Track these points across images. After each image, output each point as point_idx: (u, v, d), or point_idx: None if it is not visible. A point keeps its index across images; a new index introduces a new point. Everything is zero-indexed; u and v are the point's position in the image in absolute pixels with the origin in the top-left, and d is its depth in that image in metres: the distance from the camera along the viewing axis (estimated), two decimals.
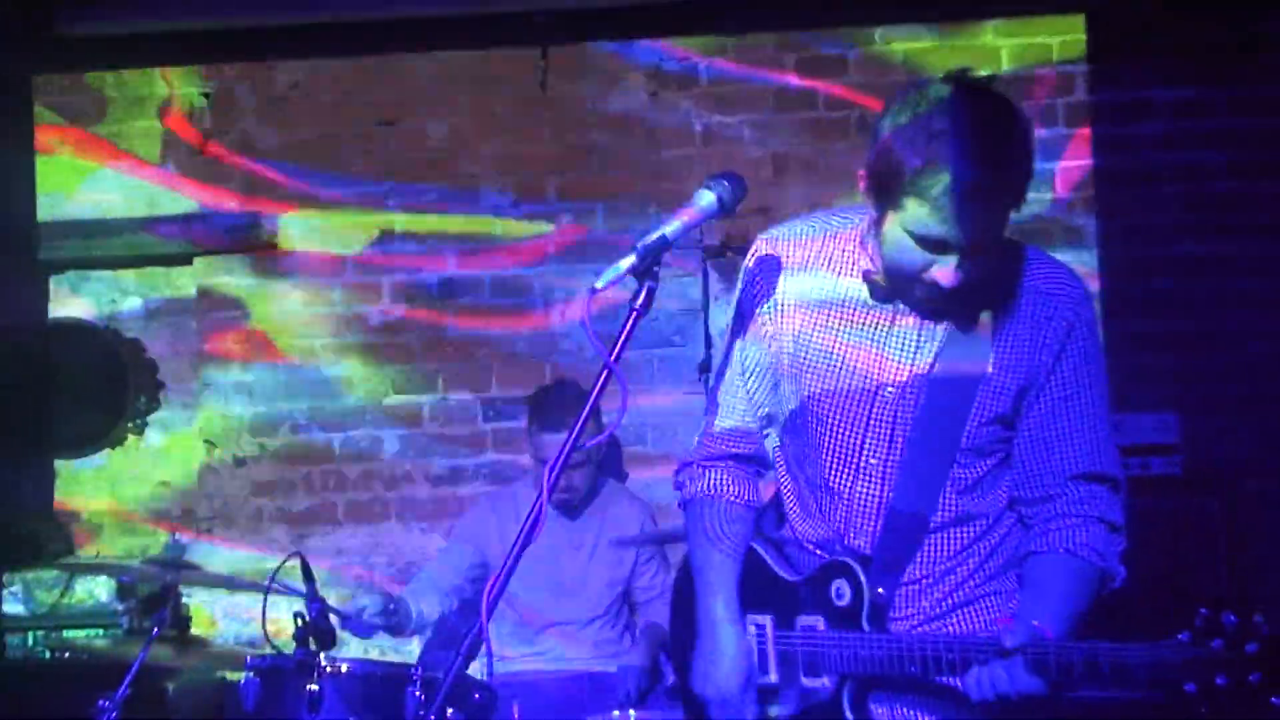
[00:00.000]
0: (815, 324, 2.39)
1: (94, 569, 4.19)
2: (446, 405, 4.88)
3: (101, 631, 4.22)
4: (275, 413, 4.89)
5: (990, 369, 2.29)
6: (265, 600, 3.17)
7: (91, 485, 4.95)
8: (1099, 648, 2.03)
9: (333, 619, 3.36)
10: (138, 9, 4.73)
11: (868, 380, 2.34)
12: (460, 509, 4.75)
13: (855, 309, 2.36)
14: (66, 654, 4.17)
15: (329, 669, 3.19)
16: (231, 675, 4.40)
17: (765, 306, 2.44)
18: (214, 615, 4.78)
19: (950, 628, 2.36)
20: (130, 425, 4.95)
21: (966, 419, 2.30)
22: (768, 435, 2.56)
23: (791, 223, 2.49)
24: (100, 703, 3.27)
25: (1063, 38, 4.83)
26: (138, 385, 4.95)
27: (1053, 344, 2.27)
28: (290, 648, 3.27)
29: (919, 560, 2.37)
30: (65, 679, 4.09)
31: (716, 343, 3.13)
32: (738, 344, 2.52)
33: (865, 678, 2.33)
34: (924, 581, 2.38)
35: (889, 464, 2.35)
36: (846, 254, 2.38)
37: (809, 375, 2.39)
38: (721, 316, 2.52)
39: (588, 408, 2.19)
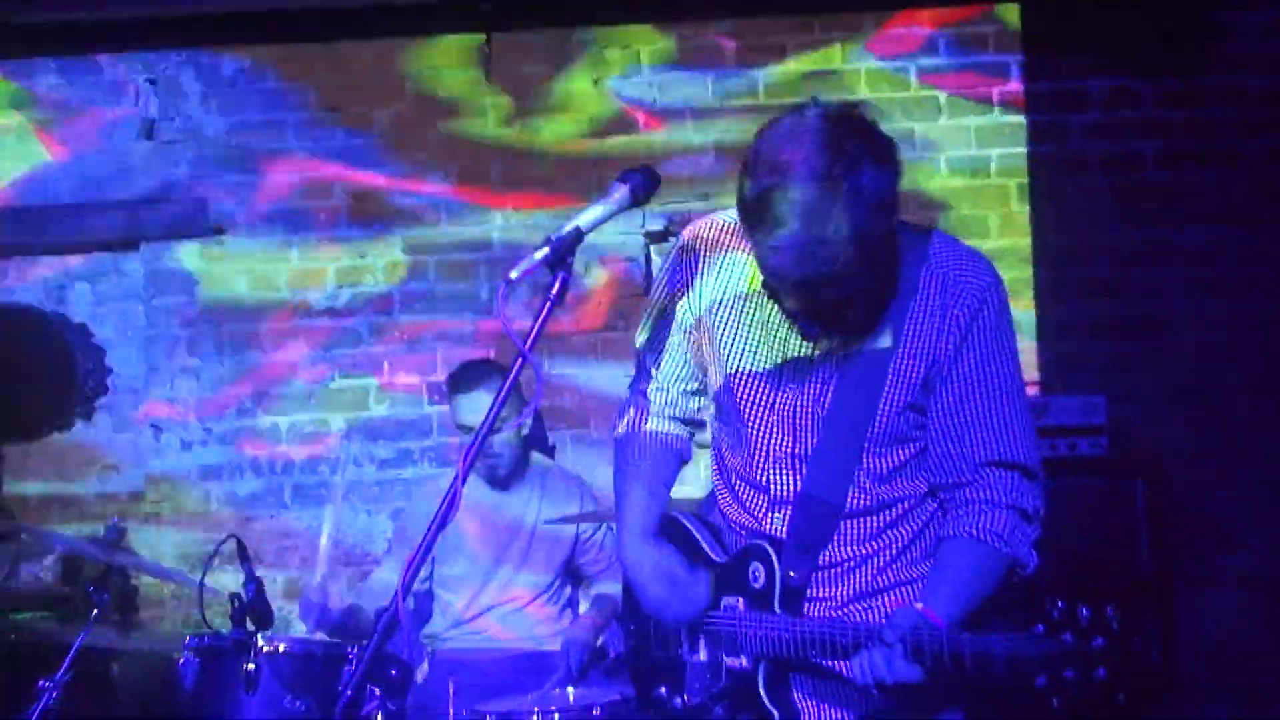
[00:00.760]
0: (728, 314, 2.45)
1: (42, 552, 4.21)
2: (392, 389, 4.93)
3: (47, 613, 4.25)
4: (222, 397, 4.92)
5: (896, 358, 2.32)
6: (201, 586, 3.22)
7: (39, 469, 4.98)
8: (963, 639, 2.05)
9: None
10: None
11: (772, 371, 2.40)
12: (406, 492, 4.81)
13: (760, 300, 2.41)
14: (12, 635, 4.20)
15: (266, 649, 3.25)
16: (172, 654, 4.46)
17: (684, 298, 2.52)
18: (163, 597, 4.82)
19: (871, 613, 2.40)
20: (78, 409, 4.98)
21: (875, 408, 2.33)
22: (701, 411, 2.64)
23: (715, 215, 2.54)
24: (41, 683, 3.32)
25: (998, 26, 4.89)
26: (85, 370, 4.97)
27: (956, 330, 2.29)
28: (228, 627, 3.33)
29: (834, 544, 2.41)
30: (11, 660, 4.12)
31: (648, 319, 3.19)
32: (664, 322, 2.59)
33: (780, 659, 2.38)
34: (842, 566, 2.42)
35: (799, 454, 2.40)
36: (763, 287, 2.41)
37: (724, 362, 2.46)
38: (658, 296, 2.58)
39: (503, 391, 2.26)
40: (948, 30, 4.92)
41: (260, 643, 3.24)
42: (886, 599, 2.42)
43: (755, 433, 2.44)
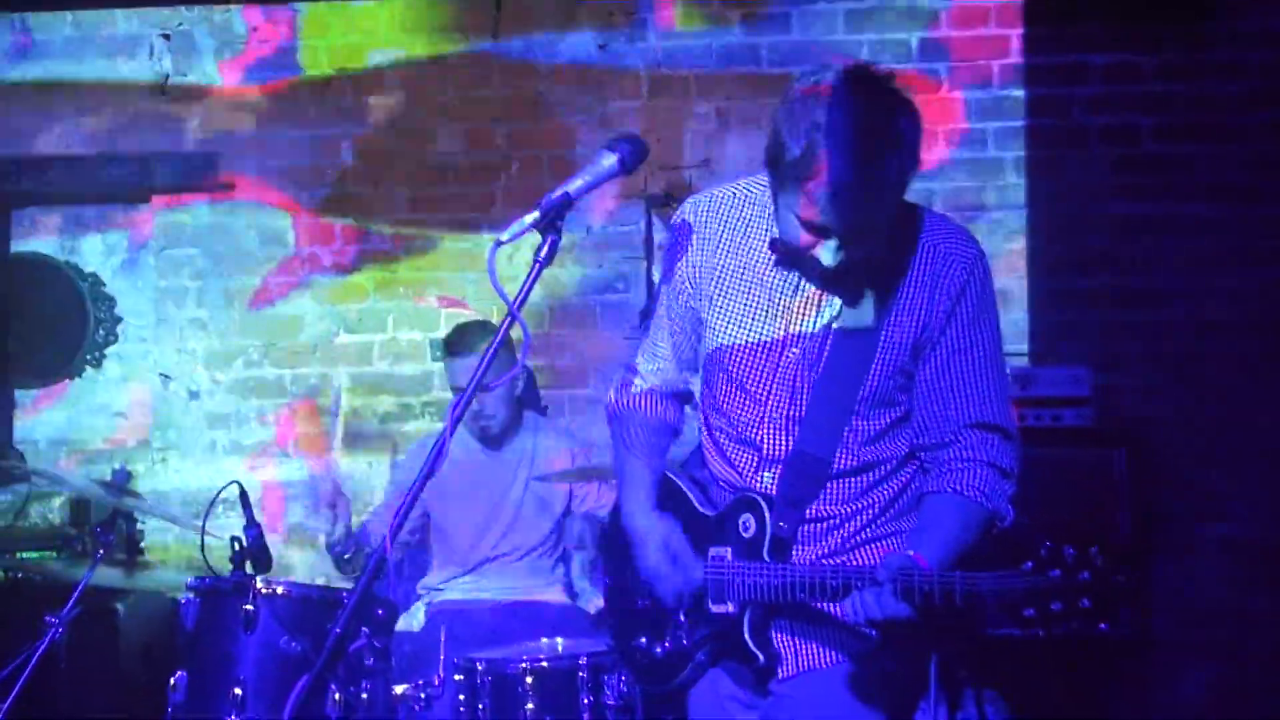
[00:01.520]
0: (728, 284, 2.56)
1: (50, 494, 4.33)
2: (396, 344, 5.02)
3: (56, 553, 4.38)
4: (229, 348, 5.03)
5: (889, 326, 2.44)
6: (203, 529, 3.32)
7: (49, 415, 5.10)
8: (955, 577, 2.18)
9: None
10: None
11: (774, 338, 2.50)
12: (407, 445, 4.91)
13: (764, 270, 2.51)
14: (20, 574, 4.33)
15: (264, 590, 3.34)
16: (176, 595, 4.59)
17: (683, 265, 2.62)
18: (167, 541, 4.95)
19: (852, 563, 2.50)
20: (88, 358, 5.09)
21: (867, 373, 2.45)
22: (689, 383, 2.76)
23: (717, 187, 2.65)
24: (47, 618, 3.44)
25: (1000, 0, 4.94)
26: (96, 319, 5.08)
27: (946, 301, 2.42)
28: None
29: (821, 500, 2.52)
30: (19, 596, 4.25)
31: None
32: (662, 295, 2.70)
33: (765, 605, 2.49)
34: (828, 520, 2.53)
35: (793, 415, 2.51)
36: (759, 220, 2.53)
37: (721, 331, 2.56)
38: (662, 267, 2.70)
39: (491, 350, 2.35)
40: (950, 3, 4.96)
41: (259, 585, 3.34)
42: (867, 552, 2.53)
43: (751, 396, 2.54)
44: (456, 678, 3.64)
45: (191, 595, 3.40)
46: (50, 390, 5.10)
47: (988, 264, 2.48)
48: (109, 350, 5.10)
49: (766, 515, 2.51)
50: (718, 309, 2.56)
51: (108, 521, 3.63)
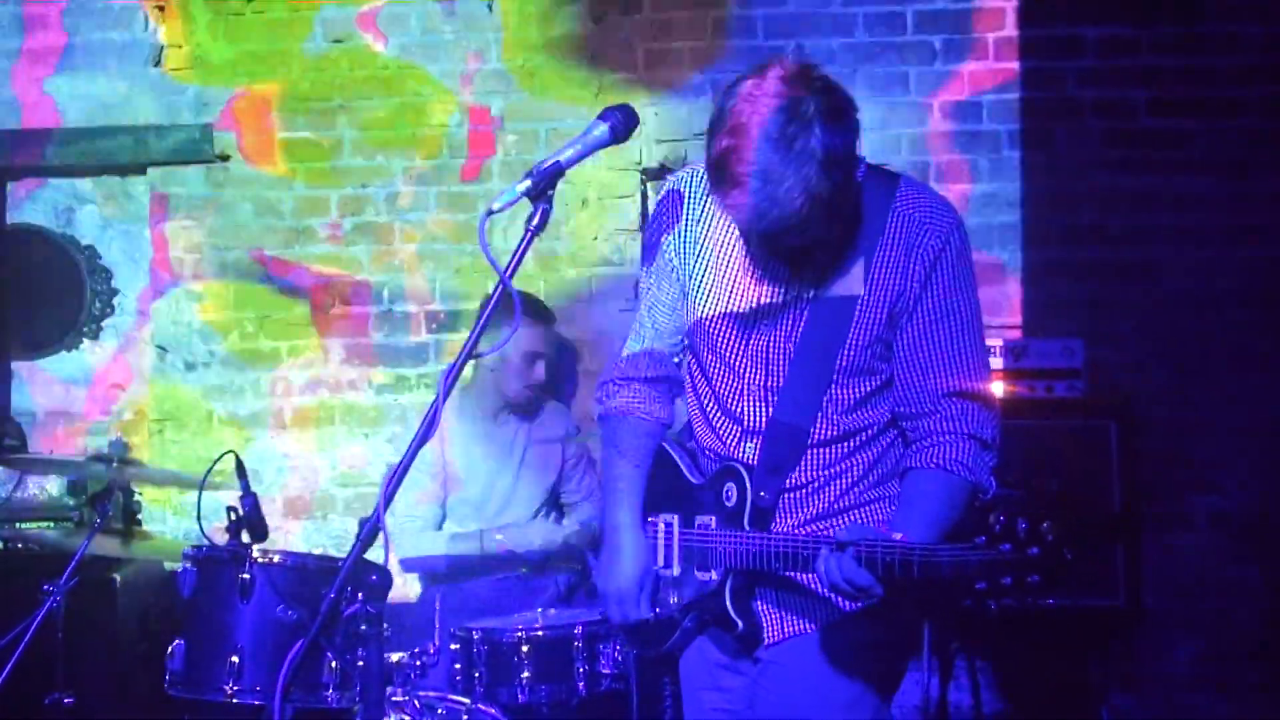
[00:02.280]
0: (708, 256, 2.60)
1: (41, 464, 4.35)
2: (391, 316, 5.04)
3: (53, 524, 4.40)
4: (225, 320, 5.04)
5: (865, 295, 2.47)
6: (200, 496, 3.34)
7: (46, 387, 5.12)
8: (914, 547, 2.22)
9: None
10: None
11: (751, 308, 2.55)
12: (402, 417, 4.94)
13: (736, 242, 2.57)
14: (19, 544, 4.35)
15: (260, 559, 3.37)
16: (173, 566, 4.62)
17: (668, 238, 2.66)
18: (166, 512, 4.98)
19: (833, 530, 2.53)
20: (85, 330, 5.10)
21: (844, 342, 2.49)
22: (678, 360, 2.78)
23: (699, 163, 2.64)
24: (45, 586, 3.47)
25: None
26: (93, 291, 5.09)
27: (921, 269, 2.45)
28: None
29: (800, 468, 2.57)
30: (17, 567, 4.28)
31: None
32: (644, 273, 2.75)
33: (747, 573, 2.54)
34: (808, 488, 2.57)
35: (771, 386, 2.55)
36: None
37: (702, 303, 2.61)
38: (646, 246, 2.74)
39: (483, 318, 2.38)
40: None
41: (255, 554, 3.37)
42: (848, 518, 2.57)
43: (730, 368, 2.59)
44: (452, 647, 3.68)
45: (188, 564, 3.42)
46: (47, 362, 5.11)
47: (965, 233, 2.51)
48: (106, 323, 5.12)
49: (747, 485, 2.55)
50: (698, 281, 2.61)
51: (105, 492, 3.65)
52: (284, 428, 5.03)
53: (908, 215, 2.47)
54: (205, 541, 3.44)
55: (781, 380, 2.54)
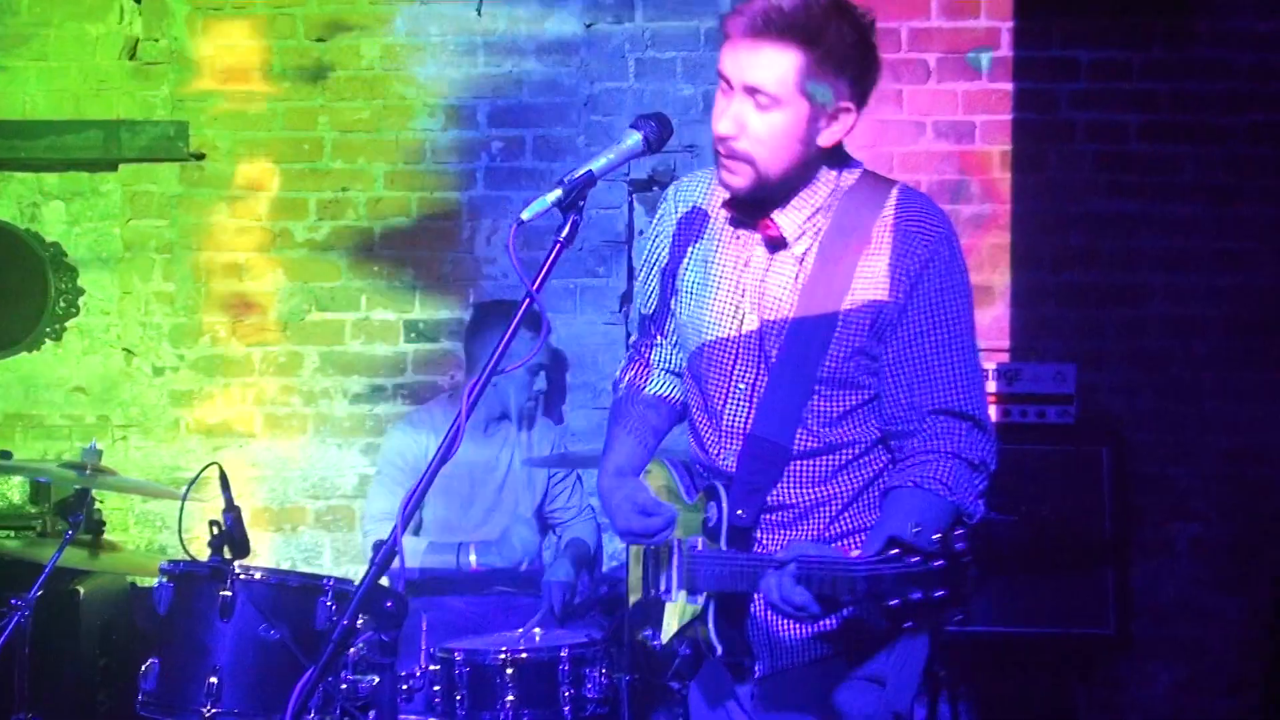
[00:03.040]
0: (695, 262, 2.53)
1: (11, 470, 4.18)
2: (369, 324, 4.91)
3: (14, 533, 4.22)
4: (196, 324, 4.88)
5: (849, 303, 2.37)
6: (181, 509, 3.21)
7: (6, 388, 4.93)
8: (840, 561, 2.10)
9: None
10: None
11: (737, 309, 2.46)
12: (377, 427, 4.81)
13: (728, 243, 2.50)
14: None
15: (242, 576, 3.25)
16: (141, 580, 4.46)
17: (661, 248, 2.62)
18: (128, 521, 4.81)
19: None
20: (48, 330, 4.91)
21: (826, 352, 2.38)
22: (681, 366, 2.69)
23: (699, 170, 2.64)
24: (13, 600, 3.31)
25: None
26: (57, 290, 4.91)
27: (907, 279, 2.35)
28: (205, 554, 3.32)
29: (782, 485, 2.44)
30: None
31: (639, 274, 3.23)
32: (650, 281, 2.69)
33: (727, 596, 2.39)
34: (792, 510, 2.45)
35: (754, 390, 2.44)
36: (720, 194, 2.50)
37: (688, 308, 2.54)
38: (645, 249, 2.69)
39: (509, 332, 2.27)
40: None
41: (236, 570, 3.24)
42: (842, 548, 2.43)
43: (713, 376, 2.50)
44: (432, 668, 3.56)
45: (165, 579, 3.30)
46: (7, 363, 4.91)
47: (957, 246, 2.40)
48: (70, 323, 4.93)
49: (724, 502, 2.43)
50: (686, 287, 2.54)
51: (76, 501, 3.50)
52: (254, 436, 4.87)
53: (895, 224, 2.37)
54: (184, 556, 3.31)
55: (763, 386, 2.44)
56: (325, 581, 3.30)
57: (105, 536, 3.90)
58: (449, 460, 2.19)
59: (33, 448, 4.85)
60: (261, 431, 4.88)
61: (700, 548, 2.45)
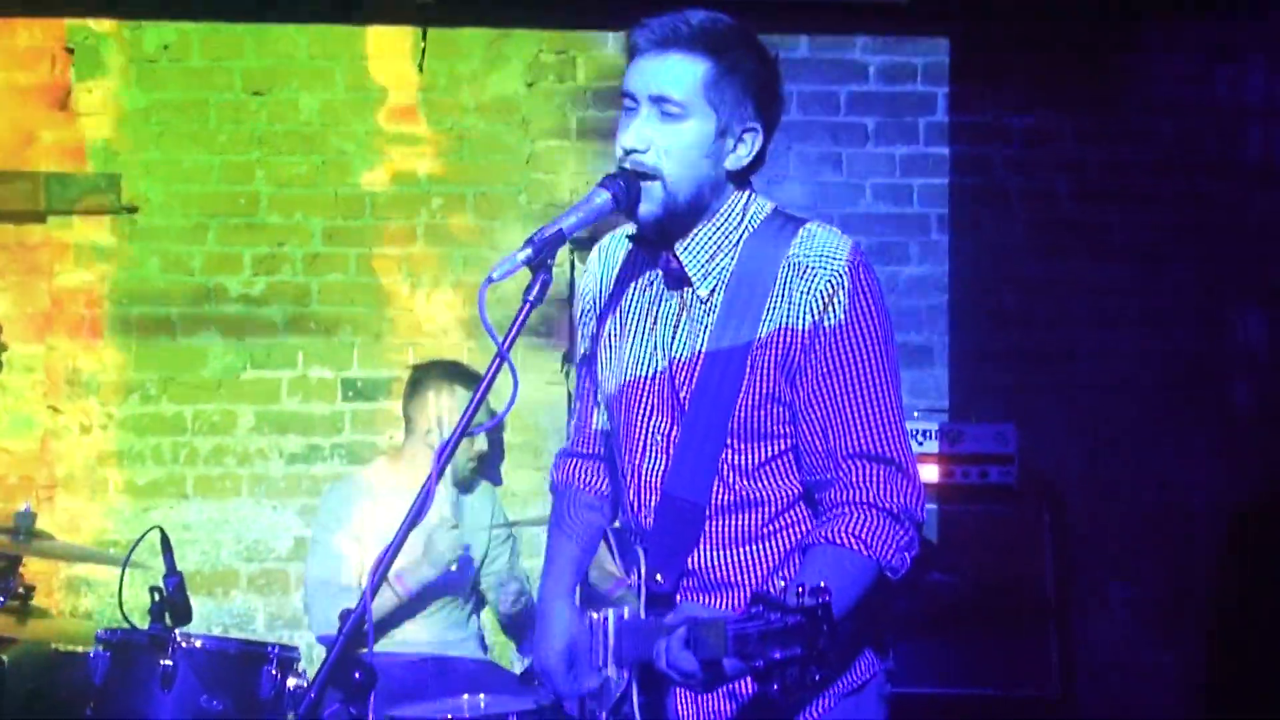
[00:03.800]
0: (612, 313, 2.48)
1: None
2: (306, 382, 4.82)
3: None
4: (126, 381, 4.75)
5: (755, 347, 2.27)
6: (123, 574, 3.11)
7: None
8: (715, 622, 1.94)
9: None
10: None
11: (648, 360, 2.38)
12: (314, 488, 4.71)
13: (640, 291, 2.44)
14: None
15: (183, 644, 3.15)
16: (66, 647, 4.29)
17: (585, 305, 2.57)
18: (51, 585, 4.64)
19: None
20: None
21: (734, 401, 2.28)
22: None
23: (617, 229, 2.55)
24: None
25: (927, 59, 4.99)
26: None
27: (810, 318, 2.24)
28: (145, 622, 3.21)
29: (701, 549, 2.34)
30: None
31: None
32: (576, 346, 2.66)
33: (647, 667, 2.20)
34: (712, 575, 2.33)
35: (669, 440, 2.35)
36: (639, 251, 2.45)
37: (606, 365, 2.48)
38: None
39: (480, 392, 2.25)
40: (878, 59, 5.00)
41: (178, 638, 3.14)
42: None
43: (631, 424, 2.41)
44: None
45: (101, 648, 3.18)
46: None
47: (865, 277, 2.26)
48: None
49: (642, 568, 2.31)
50: (604, 345, 2.48)
51: (7, 568, 3.37)
52: (185, 497, 4.75)
53: (798, 262, 2.27)
54: (121, 623, 3.20)
55: (676, 439, 2.34)
56: (270, 649, 3.21)
57: (32, 602, 3.74)
58: (419, 521, 2.14)
59: None
60: (193, 492, 4.76)
61: (626, 617, 2.32)
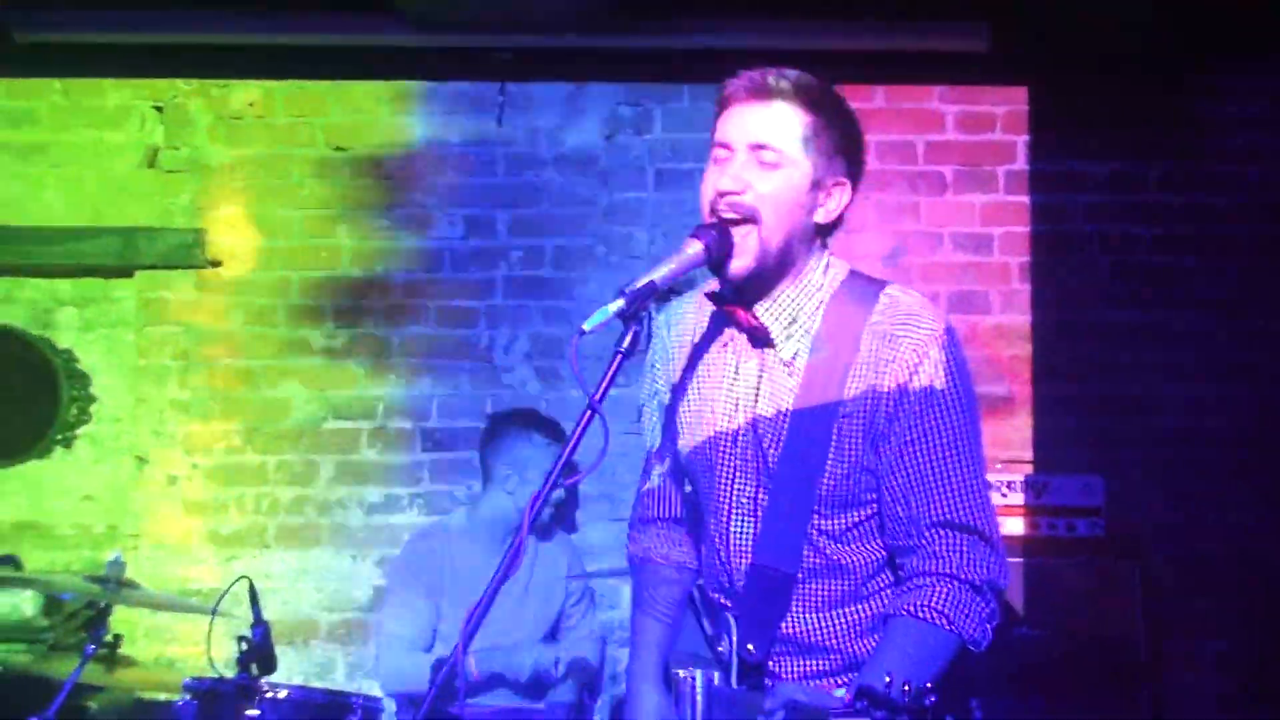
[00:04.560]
0: (689, 374, 2.47)
1: (26, 583, 4.08)
2: (385, 433, 4.86)
3: (24, 646, 4.11)
4: (210, 432, 4.82)
5: (841, 415, 2.28)
6: (211, 624, 3.13)
7: (13, 496, 4.84)
8: (816, 710, 1.94)
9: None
10: (95, 21, 4.67)
11: (730, 421, 2.37)
12: (393, 538, 4.73)
13: (717, 355, 2.43)
14: None
15: (269, 694, 3.16)
16: (150, 695, 4.33)
17: (657, 366, 2.57)
18: (136, 634, 4.69)
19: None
20: (58, 438, 4.85)
21: (823, 469, 2.28)
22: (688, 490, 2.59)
23: (690, 292, 2.57)
24: (31, 719, 3.20)
25: (1006, 108, 4.97)
26: (69, 397, 4.85)
27: (894, 386, 2.25)
28: (231, 671, 3.23)
29: (792, 615, 2.33)
30: None
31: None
32: (645, 411, 2.62)
33: None
34: (803, 643, 2.33)
35: (756, 504, 2.34)
36: (708, 308, 2.46)
37: (687, 424, 2.46)
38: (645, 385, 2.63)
39: (572, 444, 2.25)
40: (956, 108, 4.99)
41: (264, 688, 3.15)
42: (826, 686, 2.30)
43: (715, 482, 2.40)
44: None
45: (189, 696, 3.20)
46: (16, 470, 4.83)
47: (949, 345, 2.29)
48: (81, 430, 4.87)
49: (733, 638, 2.31)
50: (684, 407, 2.46)
51: (99, 616, 3.41)
52: (267, 547, 4.79)
53: (882, 330, 2.28)
54: (212, 672, 3.23)
55: (765, 504, 2.33)
56: (354, 700, 3.22)
57: (120, 650, 3.78)
58: (511, 575, 2.14)
59: (40, 557, 4.76)
60: (275, 542, 4.80)
61: (717, 683, 2.31)
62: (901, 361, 2.25)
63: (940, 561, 2.22)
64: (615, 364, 2.27)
